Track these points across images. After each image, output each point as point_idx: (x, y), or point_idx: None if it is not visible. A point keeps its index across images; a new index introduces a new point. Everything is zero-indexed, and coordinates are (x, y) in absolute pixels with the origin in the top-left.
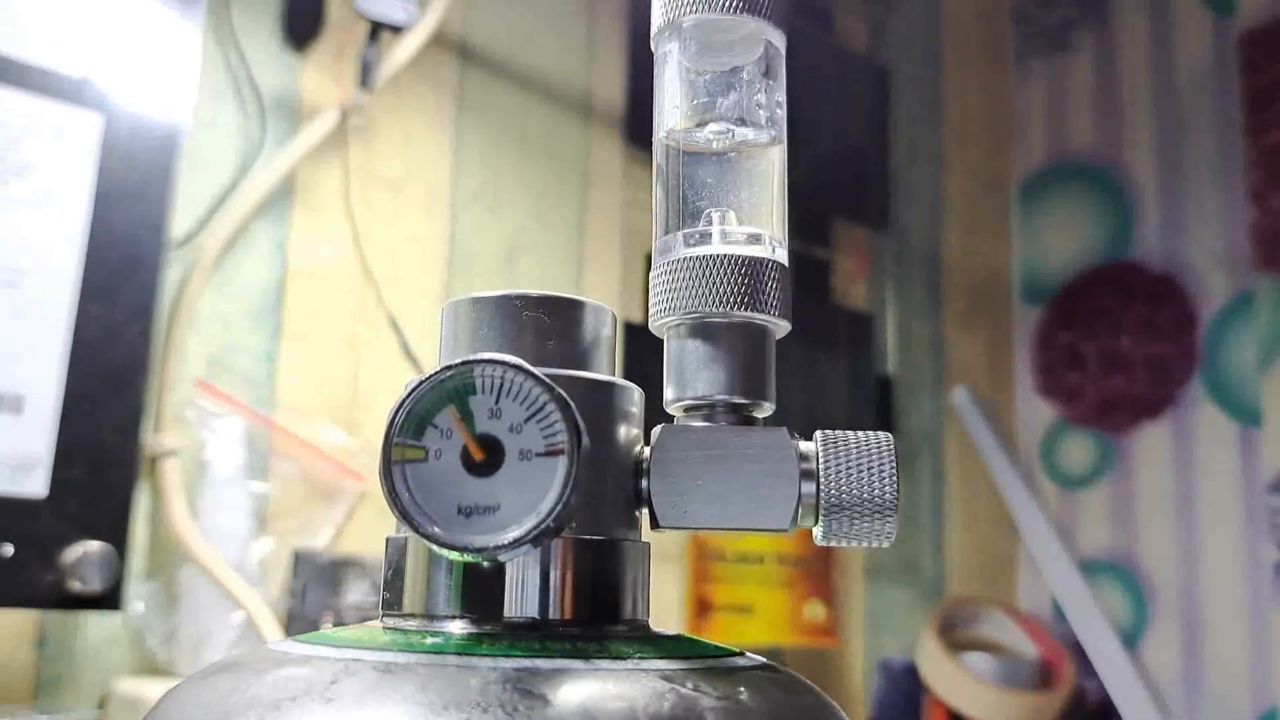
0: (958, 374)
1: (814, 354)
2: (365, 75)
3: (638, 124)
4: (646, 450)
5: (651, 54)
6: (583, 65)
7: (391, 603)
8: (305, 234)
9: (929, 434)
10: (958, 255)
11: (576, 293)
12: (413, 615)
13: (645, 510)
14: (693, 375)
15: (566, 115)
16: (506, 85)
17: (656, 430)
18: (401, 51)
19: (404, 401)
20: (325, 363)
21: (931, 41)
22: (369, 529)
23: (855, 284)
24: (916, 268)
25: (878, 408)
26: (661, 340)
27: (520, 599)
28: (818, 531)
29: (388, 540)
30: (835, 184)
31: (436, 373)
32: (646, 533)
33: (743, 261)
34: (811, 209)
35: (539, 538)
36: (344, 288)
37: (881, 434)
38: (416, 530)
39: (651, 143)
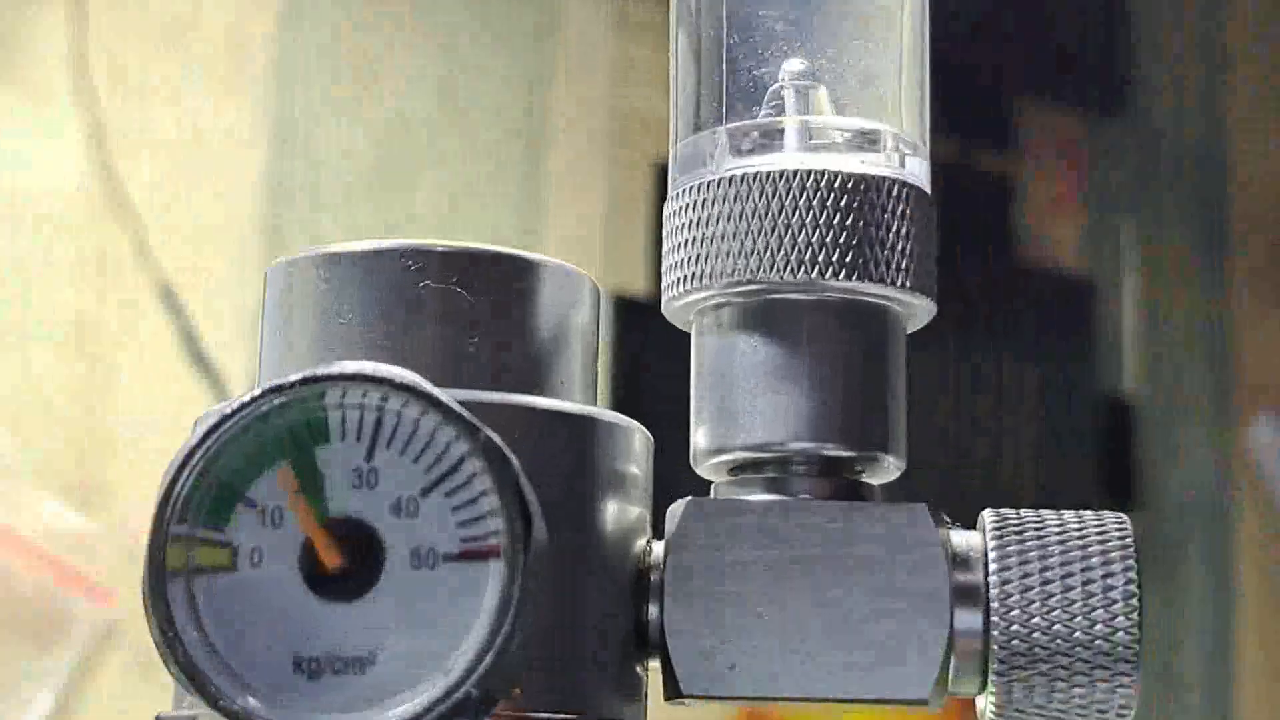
0: (1259, 391)
1: (980, 356)
2: None
3: None
4: (657, 548)
5: None
6: None
7: None
8: (1, 126)
9: (1205, 507)
10: (1257, 163)
11: (523, 238)
12: None
13: (654, 663)
14: (747, 404)
15: None
16: None
17: (678, 509)
18: None
19: (190, 455)
20: (36, 373)
21: None
22: (128, 693)
23: (1059, 222)
24: (1177, 189)
25: (1105, 459)
26: (684, 335)
27: None
28: (986, 705)
29: None
30: (1020, 30)
31: (254, 399)
32: (656, 704)
33: (845, 183)
34: (975, 78)
35: (451, 717)
36: (73, 227)
37: (1109, 516)
38: (214, 704)
39: None
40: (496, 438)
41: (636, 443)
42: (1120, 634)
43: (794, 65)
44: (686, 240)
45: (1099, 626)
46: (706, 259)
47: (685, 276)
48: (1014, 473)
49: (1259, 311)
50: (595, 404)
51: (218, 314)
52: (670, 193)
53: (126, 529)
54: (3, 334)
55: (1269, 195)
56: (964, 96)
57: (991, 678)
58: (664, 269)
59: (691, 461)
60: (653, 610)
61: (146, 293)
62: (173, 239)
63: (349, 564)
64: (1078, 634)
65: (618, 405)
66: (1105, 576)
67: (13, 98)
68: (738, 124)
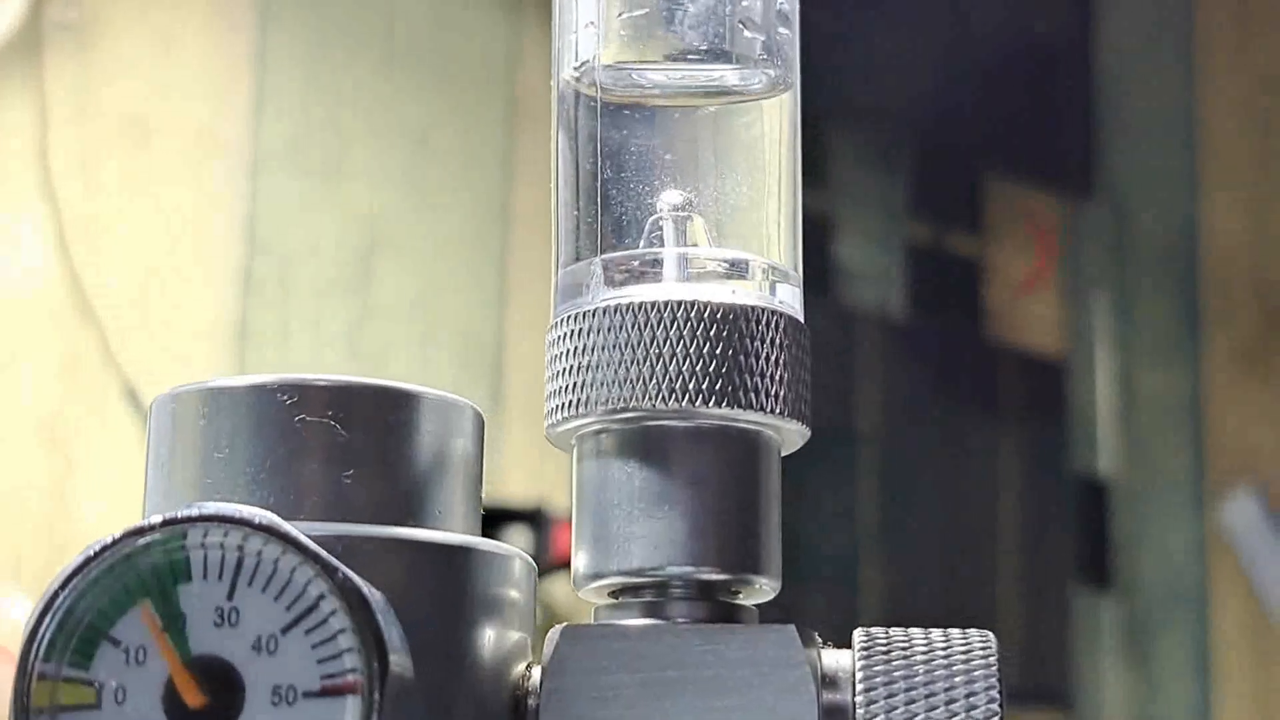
0: (1237, 465)
1: (955, 436)
2: None
3: None
4: (535, 674)
5: None
6: None
7: None
8: None
9: (1181, 585)
10: (1234, 238)
11: (492, 329)
12: None
13: None
14: (624, 529)
15: None
16: None
17: (554, 635)
18: None
19: (54, 597)
20: (4, 472)
21: None
22: None
23: (1033, 301)
24: (1151, 268)
25: (1081, 538)
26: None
27: None
28: None
29: None
30: (989, 112)
31: (116, 541)
32: None
33: (716, 313)
34: (944, 161)
35: None
36: (38, 328)
37: (974, 635)
38: None
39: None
40: (354, 576)
41: (516, 570)
42: None
43: (672, 198)
44: (566, 369)
45: None
46: (584, 387)
47: (564, 404)
48: (989, 554)
49: (1234, 389)
50: (478, 530)
51: None
52: (551, 321)
53: None
54: None
55: (1242, 273)
56: (937, 179)
57: None
58: (546, 395)
59: (572, 585)
60: None
61: (112, 393)
62: (139, 338)
63: (210, 701)
64: None
65: None
66: (968, 696)
67: None
68: (613, 255)
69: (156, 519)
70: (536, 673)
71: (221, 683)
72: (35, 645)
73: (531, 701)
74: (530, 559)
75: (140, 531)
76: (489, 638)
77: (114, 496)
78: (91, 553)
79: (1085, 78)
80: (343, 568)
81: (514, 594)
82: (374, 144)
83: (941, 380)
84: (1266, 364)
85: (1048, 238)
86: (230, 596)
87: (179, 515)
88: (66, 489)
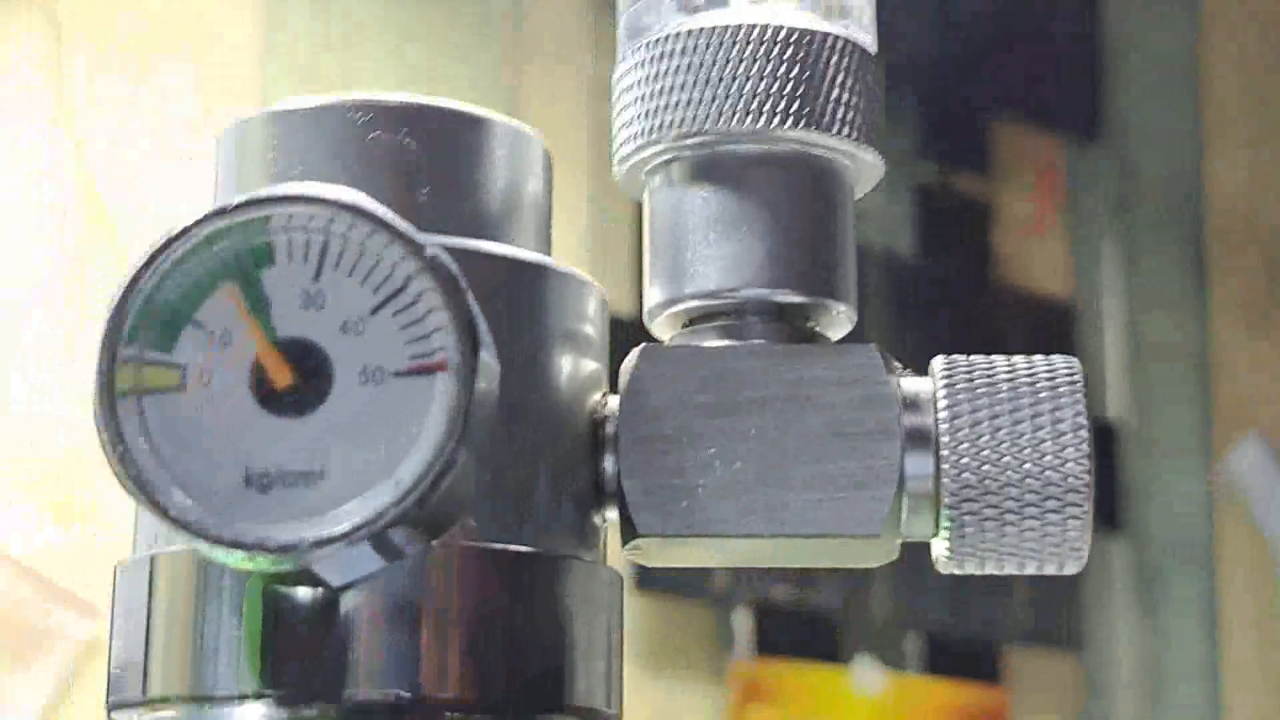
0: (1242, 414)
1: None
2: None
3: None
4: (613, 401)
5: None
6: None
7: (124, 683)
8: None
9: (1189, 534)
10: (1237, 188)
11: None
12: (166, 700)
13: (612, 509)
14: (699, 254)
15: None
16: None
17: (632, 358)
18: None
19: (136, 279)
20: (17, 391)
21: None
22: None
23: (1038, 245)
24: (1158, 213)
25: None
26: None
27: (373, 659)
28: (940, 547)
29: (118, 572)
30: (999, 56)
31: (198, 222)
32: (615, 551)
33: (792, 36)
34: (954, 103)
35: (398, 526)
36: (50, 242)
37: (1059, 359)
38: (164, 515)
39: None
40: (443, 254)
41: (593, 297)
42: (1070, 464)
43: None
44: (636, 99)
45: (1048, 458)
46: (656, 113)
47: (635, 134)
48: None
49: (1241, 336)
50: (547, 256)
51: None
52: (620, 57)
53: (101, 543)
54: None
55: (1246, 223)
56: (944, 121)
57: (943, 516)
58: (614, 135)
59: (645, 319)
60: (608, 461)
61: None
62: None
63: (299, 382)
64: (1028, 465)
65: None
66: (1054, 410)
67: None
68: None
69: (240, 199)
70: (614, 400)
71: (308, 364)
72: (119, 328)
73: (610, 427)
74: (601, 290)
75: (222, 213)
76: (567, 359)
77: None
78: (174, 233)
79: (1090, 21)
80: (432, 245)
81: (589, 323)
82: (381, 67)
83: (949, 322)
84: (1271, 313)
85: (1054, 179)
86: (316, 279)
87: (262, 196)
88: (79, 406)
